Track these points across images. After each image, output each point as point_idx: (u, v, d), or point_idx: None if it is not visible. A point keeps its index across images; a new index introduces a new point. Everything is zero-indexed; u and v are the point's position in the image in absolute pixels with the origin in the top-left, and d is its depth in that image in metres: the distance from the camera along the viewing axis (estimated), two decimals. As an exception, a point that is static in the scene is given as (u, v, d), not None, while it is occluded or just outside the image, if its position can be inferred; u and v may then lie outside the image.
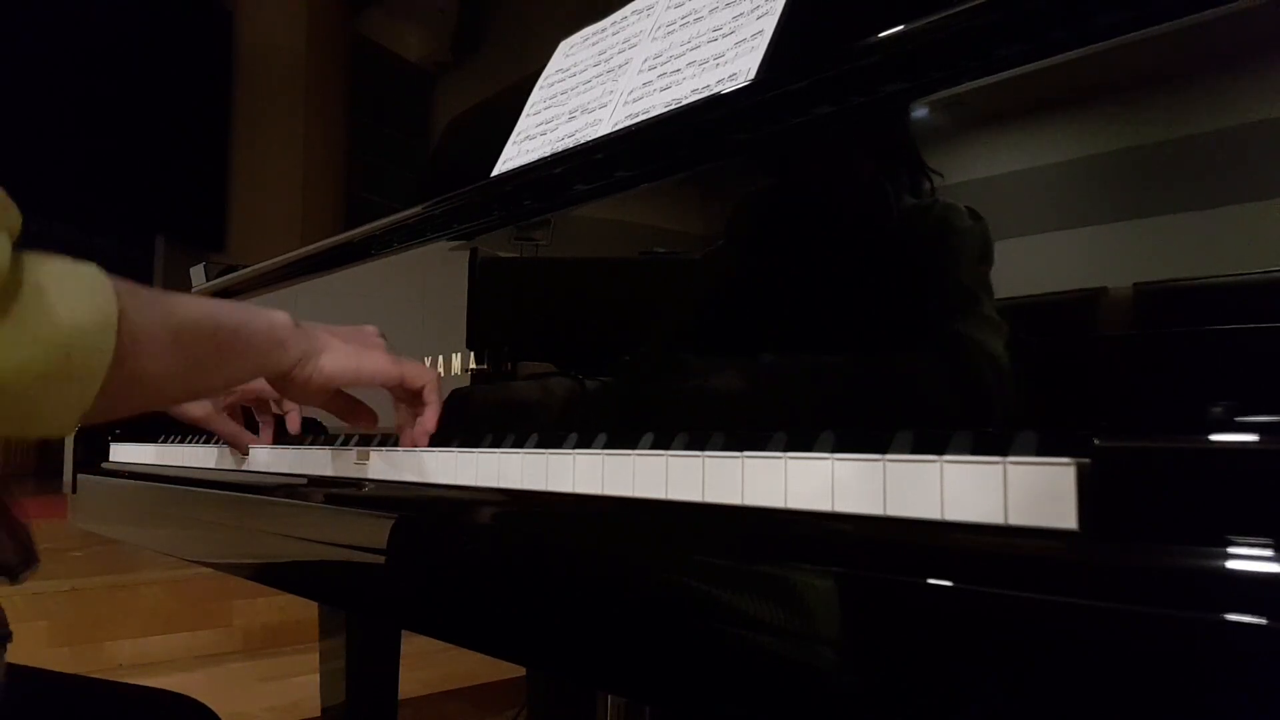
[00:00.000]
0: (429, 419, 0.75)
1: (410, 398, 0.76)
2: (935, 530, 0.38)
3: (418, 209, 0.92)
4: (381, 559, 0.69)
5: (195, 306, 0.59)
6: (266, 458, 0.93)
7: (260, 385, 0.75)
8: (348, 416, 0.77)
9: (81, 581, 2.29)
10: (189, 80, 4.73)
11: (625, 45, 0.89)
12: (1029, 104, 0.51)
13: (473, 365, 0.84)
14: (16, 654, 0.64)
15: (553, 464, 0.59)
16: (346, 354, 0.69)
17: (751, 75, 0.70)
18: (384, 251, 1.01)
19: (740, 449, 0.48)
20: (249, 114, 4.94)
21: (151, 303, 0.53)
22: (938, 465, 0.39)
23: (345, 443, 0.89)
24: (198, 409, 0.94)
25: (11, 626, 0.64)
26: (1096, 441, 0.34)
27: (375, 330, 0.77)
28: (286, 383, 0.68)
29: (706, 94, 0.72)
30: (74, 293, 0.47)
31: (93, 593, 2.30)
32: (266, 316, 0.65)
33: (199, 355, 0.58)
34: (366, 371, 0.70)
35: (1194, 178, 0.43)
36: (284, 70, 4.93)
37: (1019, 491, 0.36)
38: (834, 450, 0.45)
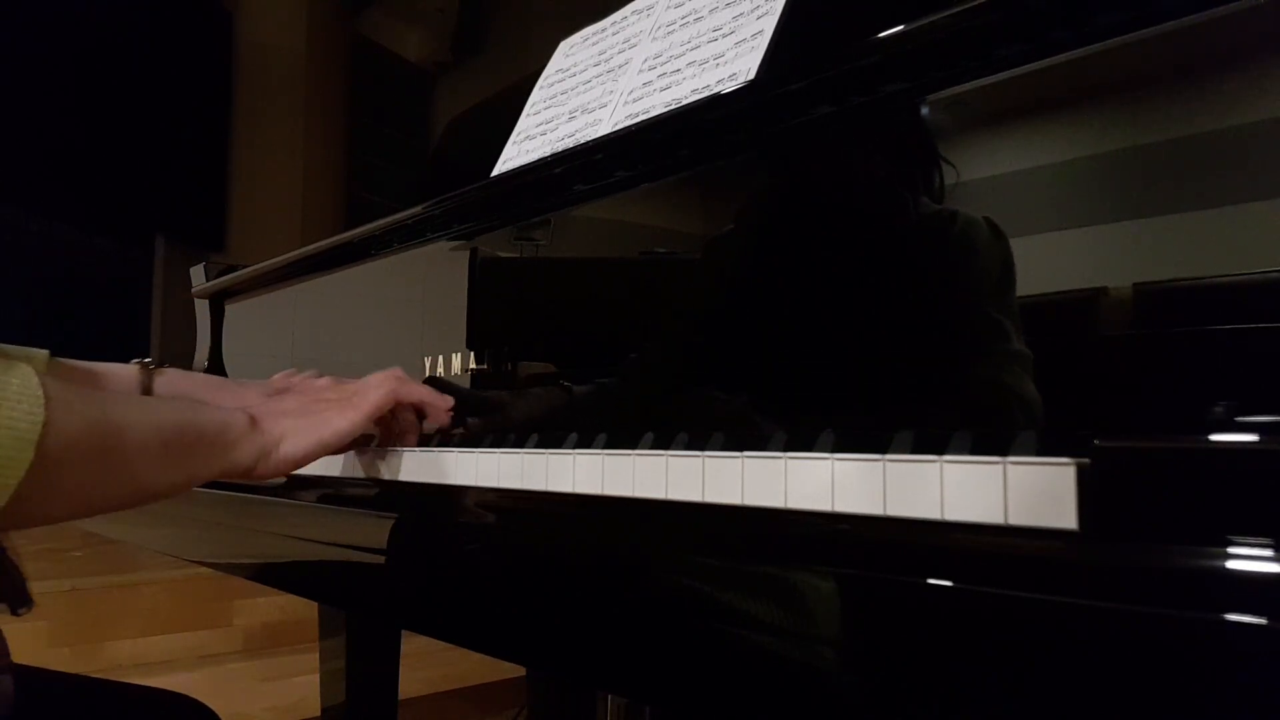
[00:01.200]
0: (431, 415, 0.75)
1: (404, 416, 0.76)
2: (935, 530, 0.38)
3: (418, 209, 0.92)
4: (381, 559, 0.69)
5: (141, 410, 0.57)
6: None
7: None
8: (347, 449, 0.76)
9: (81, 581, 2.29)
10: (189, 80, 4.73)
11: (625, 45, 0.89)
12: (1029, 104, 0.51)
13: (473, 365, 0.84)
14: (16, 654, 0.64)
15: (553, 464, 0.59)
16: (305, 430, 0.67)
17: (751, 75, 0.70)
18: (384, 251, 1.01)
19: (740, 449, 0.48)
20: (249, 114, 4.93)
21: (87, 408, 0.52)
22: (938, 465, 0.39)
23: (369, 441, 0.88)
24: None
25: (11, 627, 0.64)
26: (1096, 441, 0.34)
27: (324, 383, 0.75)
28: (250, 477, 0.66)
29: (706, 94, 0.72)
30: (3, 395, 0.46)
31: (93, 593, 2.30)
32: (218, 417, 0.63)
33: (138, 463, 0.56)
34: (331, 441, 0.68)
35: (1194, 178, 0.43)
36: (284, 70, 4.93)
37: (1019, 491, 0.36)
38: (834, 450, 0.45)
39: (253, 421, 0.65)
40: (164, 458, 0.58)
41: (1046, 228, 0.48)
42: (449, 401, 0.76)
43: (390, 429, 0.77)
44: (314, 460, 0.69)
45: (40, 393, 0.48)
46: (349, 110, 5.29)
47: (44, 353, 0.74)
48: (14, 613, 0.62)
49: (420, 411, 0.77)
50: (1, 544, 0.63)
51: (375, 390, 0.72)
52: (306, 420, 0.68)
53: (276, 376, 0.87)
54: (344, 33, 5.26)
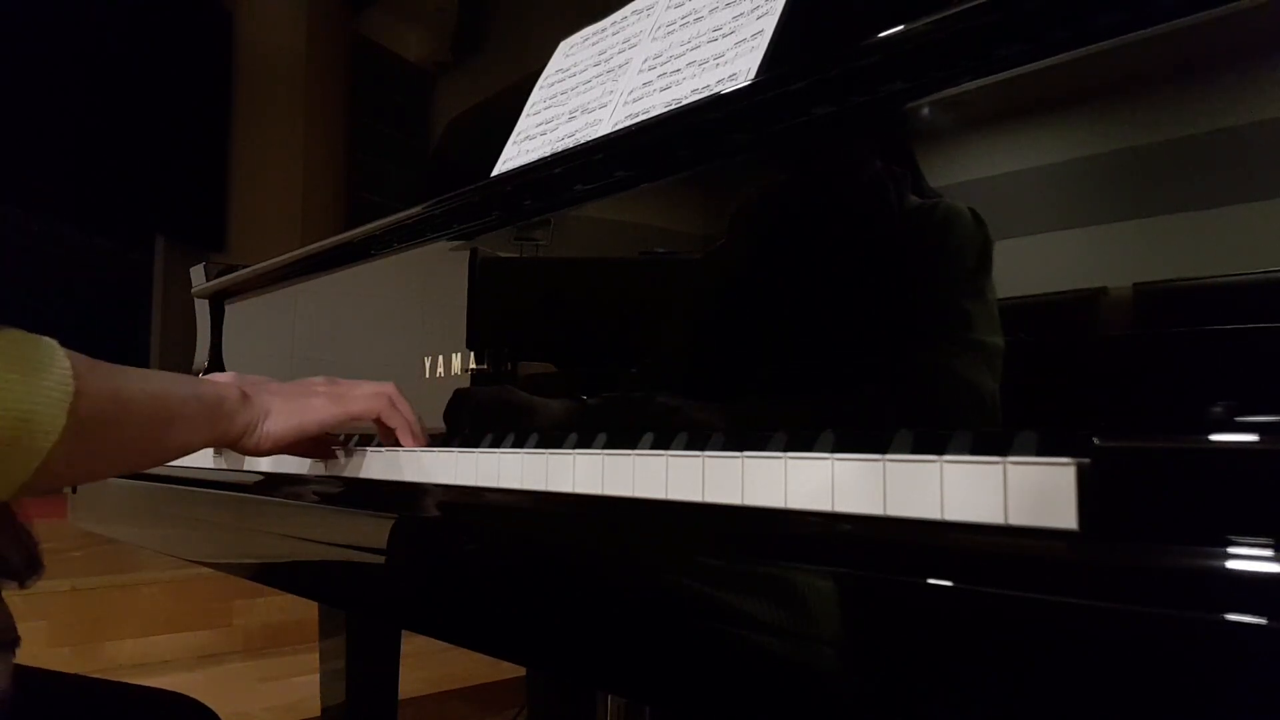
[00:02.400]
0: (402, 438, 0.77)
1: (382, 426, 0.78)
2: (935, 530, 0.38)
3: (418, 209, 0.92)
4: (381, 559, 0.69)
5: (145, 382, 0.61)
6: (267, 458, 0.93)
7: None
8: (315, 453, 0.81)
9: (81, 581, 2.29)
10: (189, 80, 4.72)
11: (625, 45, 0.89)
12: (1029, 104, 0.51)
13: (473, 365, 0.84)
14: (16, 654, 0.64)
15: (553, 464, 0.59)
16: (288, 412, 0.72)
17: (751, 75, 0.70)
18: (384, 251, 1.01)
19: (740, 449, 0.48)
20: (249, 114, 4.93)
21: (105, 379, 0.56)
22: (938, 465, 0.39)
23: (345, 443, 0.89)
24: None
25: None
26: (1096, 441, 0.34)
27: (320, 380, 0.78)
28: (238, 448, 0.71)
29: (706, 94, 0.72)
30: (33, 365, 0.50)
31: (93, 593, 2.30)
32: (215, 389, 0.68)
33: (147, 428, 0.61)
34: (310, 424, 0.73)
35: (1194, 178, 0.43)
36: (284, 70, 4.92)
37: (1019, 491, 0.36)
38: (834, 450, 0.45)
39: (244, 396, 0.70)
40: (168, 425, 0.63)
41: (1046, 228, 0.48)
42: (421, 442, 0.78)
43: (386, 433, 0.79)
44: (294, 440, 0.73)
45: (69, 364, 0.52)
46: (349, 110, 5.29)
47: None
48: (22, 585, 0.63)
49: (383, 433, 0.79)
50: (12, 510, 0.64)
51: (364, 397, 0.76)
52: (293, 403, 0.73)
53: None
54: (344, 33, 5.26)
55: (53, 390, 0.50)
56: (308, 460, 0.86)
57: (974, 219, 0.51)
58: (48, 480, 0.52)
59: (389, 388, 0.77)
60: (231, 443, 0.70)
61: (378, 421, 0.77)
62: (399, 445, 0.76)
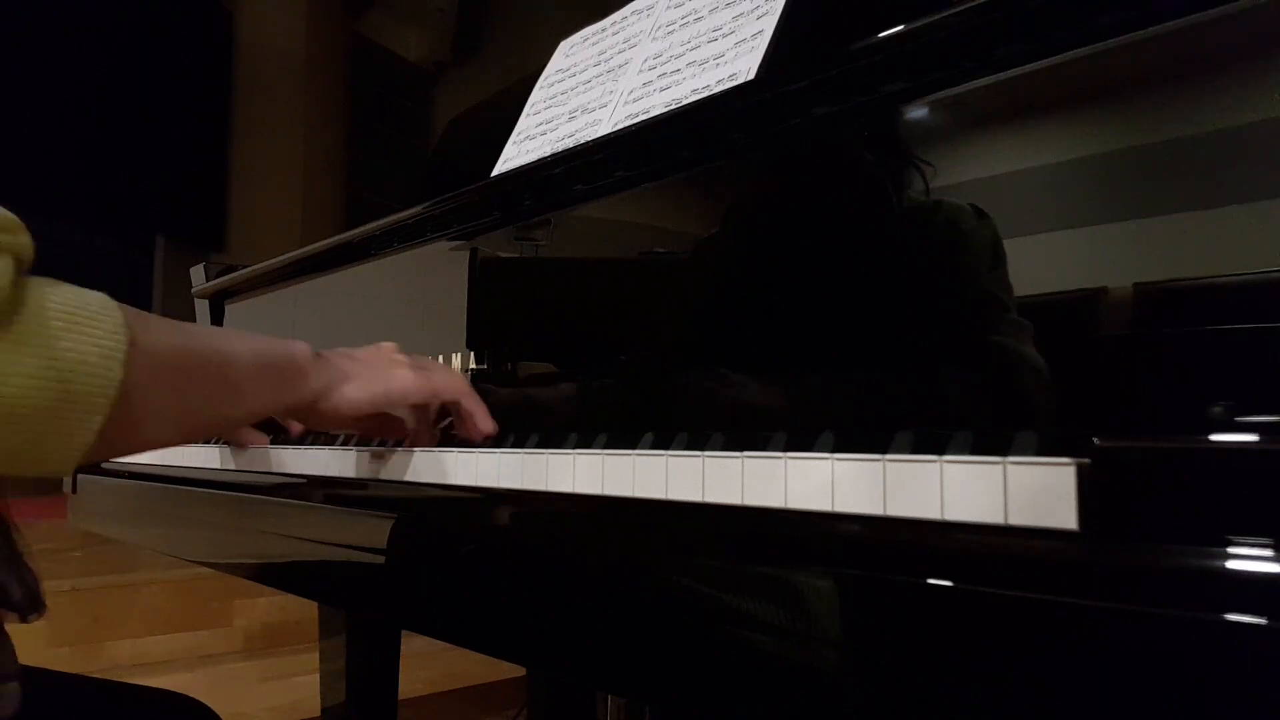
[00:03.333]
0: (482, 424, 0.71)
1: (442, 411, 0.73)
2: (935, 530, 0.38)
3: (418, 209, 0.92)
4: (381, 559, 0.69)
5: (208, 337, 0.57)
6: (267, 457, 0.93)
7: None
8: (383, 432, 0.74)
9: (81, 581, 2.29)
10: (189, 80, 4.72)
11: (625, 45, 0.89)
12: (1029, 104, 0.51)
13: (473, 365, 0.84)
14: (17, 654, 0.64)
15: (553, 464, 0.59)
16: (371, 379, 0.66)
17: (751, 75, 0.70)
18: (384, 251, 1.01)
19: (740, 449, 0.48)
20: (249, 114, 4.93)
21: (163, 333, 0.51)
22: (938, 465, 0.39)
23: (346, 443, 0.89)
24: None
25: (12, 626, 0.64)
26: (1096, 441, 0.34)
27: (393, 346, 0.73)
28: (311, 414, 0.65)
29: (706, 94, 0.72)
30: (80, 320, 0.45)
31: (93, 593, 2.29)
32: (285, 346, 0.63)
33: (212, 389, 0.56)
34: (396, 392, 0.67)
35: (1194, 178, 0.43)
36: (284, 70, 4.93)
37: (1019, 491, 0.36)
38: (834, 450, 0.45)
39: (318, 356, 0.64)
40: (238, 387, 0.58)
41: (1046, 228, 0.48)
42: (493, 428, 0.72)
43: (426, 421, 0.75)
44: (376, 409, 0.67)
45: (120, 314, 0.47)
46: (349, 110, 5.29)
47: None
48: (24, 619, 0.61)
49: (456, 418, 0.74)
50: (18, 548, 0.62)
51: (447, 375, 0.71)
52: (375, 370, 0.67)
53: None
54: (344, 33, 5.26)
55: (105, 340, 0.45)
56: (307, 460, 0.86)
57: (978, 216, 0.51)
58: (107, 449, 0.47)
59: (465, 378, 0.72)
60: (306, 406, 0.64)
61: (453, 405, 0.71)
62: (419, 446, 0.74)
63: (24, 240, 0.45)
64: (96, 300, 0.47)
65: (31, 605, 0.61)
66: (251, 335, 0.63)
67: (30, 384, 0.42)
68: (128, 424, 0.48)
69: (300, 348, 0.63)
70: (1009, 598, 0.34)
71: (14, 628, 0.63)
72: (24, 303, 0.43)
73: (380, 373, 0.67)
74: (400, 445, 0.76)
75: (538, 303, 0.83)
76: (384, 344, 0.73)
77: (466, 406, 0.70)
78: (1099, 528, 0.33)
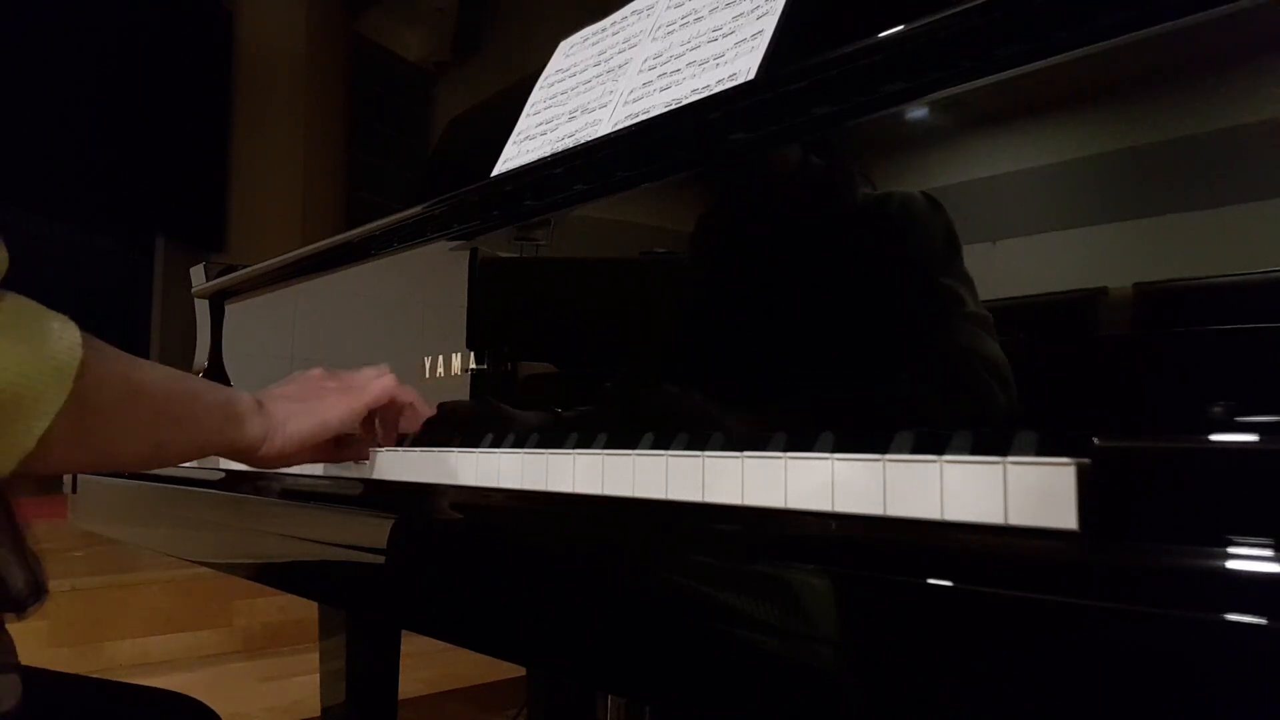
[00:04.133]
0: (421, 412, 0.76)
1: (389, 415, 0.77)
2: (935, 530, 0.38)
3: (418, 209, 0.92)
4: (381, 559, 0.69)
5: (156, 371, 0.60)
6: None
7: None
8: (341, 455, 0.77)
9: (81, 581, 2.29)
10: (189, 80, 4.72)
11: (625, 45, 0.89)
12: (1029, 104, 0.51)
13: (473, 365, 0.84)
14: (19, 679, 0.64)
15: (553, 464, 0.59)
16: (306, 412, 0.69)
17: (751, 75, 0.70)
18: (384, 251, 1.01)
19: (740, 449, 0.48)
20: (249, 114, 4.93)
21: (115, 360, 0.54)
22: (938, 465, 0.39)
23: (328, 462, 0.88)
24: None
25: (13, 627, 0.64)
26: (1096, 441, 0.34)
27: (319, 373, 0.76)
28: (258, 461, 0.68)
29: (706, 94, 0.72)
30: (36, 334, 0.48)
31: (93, 593, 2.30)
32: (225, 392, 0.66)
33: (156, 420, 0.59)
34: (333, 422, 0.70)
35: (1194, 178, 0.43)
36: (284, 70, 4.92)
37: (1019, 491, 0.36)
38: (834, 450, 0.45)
39: (258, 403, 0.67)
40: (180, 420, 0.61)
41: (1046, 228, 0.48)
42: (431, 410, 0.78)
43: (371, 429, 0.78)
44: (317, 440, 0.70)
45: (78, 337, 0.50)
46: (349, 110, 5.29)
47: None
48: (23, 612, 0.62)
49: (398, 413, 0.78)
50: (19, 529, 0.63)
51: (375, 382, 0.74)
52: (308, 404, 0.70)
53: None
54: (344, 33, 5.25)
55: (59, 357, 0.48)
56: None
57: (922, 198, 0.52)
58: (48, 460, 0.49)
59: (385, 368, 0.75)
60: (248, 450, 0.67)
61: (388, 406, 0.75)
62: (383, 447, 0.76)
63: (2, 255, 0.48)
64: (58, 321, 0.50)
65: (34, 593, 0.62)
66: (193, 378, 0.67)
67: None
68: (72, 439, 0.50)
69: (242, 397, 0.67)
70: (1009, 598, 0.34)
71: (14, 628, 0.63)
72: None
73: (313, 406, 0.70)
74: (379, 447, 0.76)
75: (538, 303, 0.83)
76: (312, 371, 0.76)
77: (401, 399, 0.75)
78: (1099, 528, 0.33)
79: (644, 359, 0.70)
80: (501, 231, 0.85)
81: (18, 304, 0.48)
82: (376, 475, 0.76)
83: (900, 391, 0.52)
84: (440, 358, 0.88)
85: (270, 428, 0.67)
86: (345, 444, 0.76)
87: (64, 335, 0.49)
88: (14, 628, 0.63)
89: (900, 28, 0.54)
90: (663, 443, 0.59)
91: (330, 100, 5.16)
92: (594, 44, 0.94)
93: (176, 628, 2.39)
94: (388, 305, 1.02)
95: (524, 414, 0.79)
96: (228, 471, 0.99)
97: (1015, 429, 0.43)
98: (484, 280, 0.87)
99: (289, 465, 0.71)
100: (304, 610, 2.37)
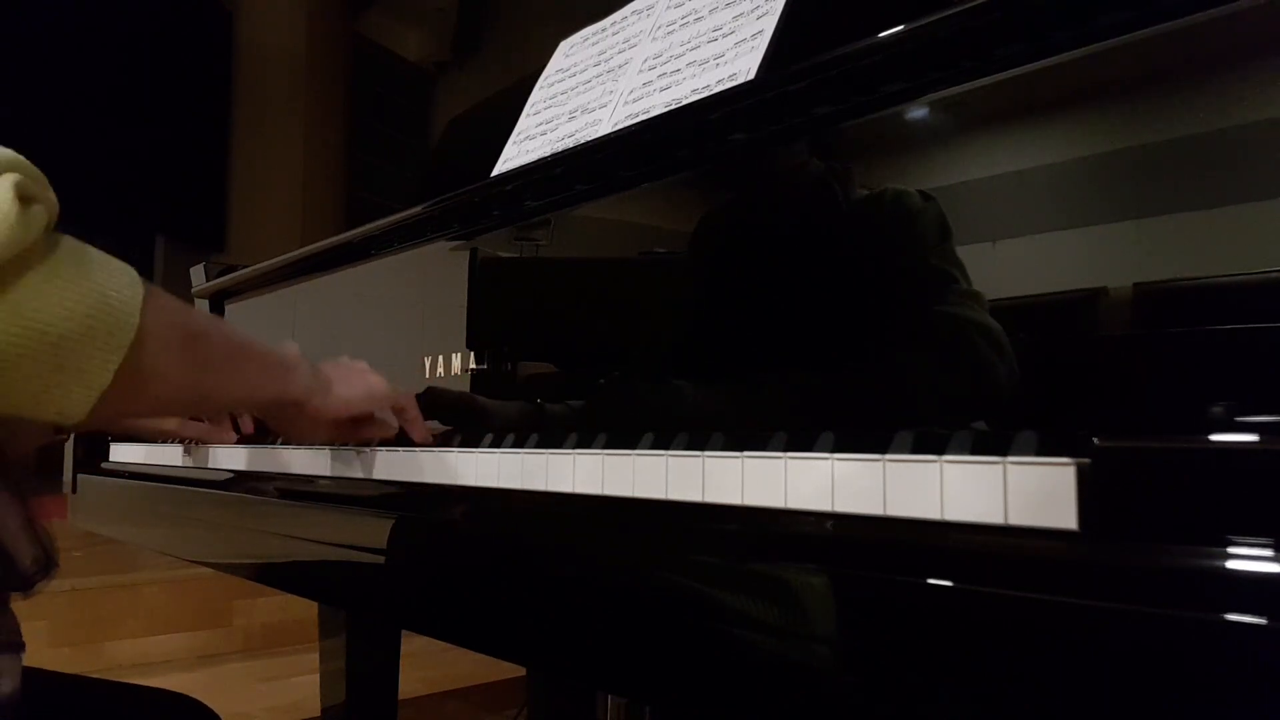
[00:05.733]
0: (420, 431, 0.79)
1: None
2: (935, 530, 0.38)
3: (418, 209, 0.92)
4: (381, 559, 0.69)
5: (211, 318, 0.61)
6: (268, 458, 0.93)
7: None
8: (357, 437, 0.78)
9: (81, 581, 2.29)
10: (189, 80, 4.72)
11: (625, 45, 0.89)
12: (1029, 104, 0.51)
13: (473, 365, 0.84)
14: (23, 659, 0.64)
15: (553, 464, 0.59)
16: (355, 382, 0.73)
17: (751, 75, 0.70)
18: (384, 251, 1.01)
19: (740, 449, 0.48)
20: (249, 114, 4.93)
21: (172, 302, 0.54)
22: (938, 465, 0.39)
23: (345, 443, 0.89)
24: (169, 422, 0.99)
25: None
26: (1096, 441, 0.34)
27: (364, 365, 0.78)
28: (301, 412, 0.69)
29: (706, 94, 0.72)
30: (104, 266, 0.48)
31: (93, 593, 2.30)
32: (277, 349, 0.68)
33: (212, 362, 0.59)
34: (377, 395, 0.74)
35: (1194, 178, 0.43)
36: (284, 70, 4.92)
37: (1019, 491, 0.36)
38: (834, 450, 0.45)
39: (309, 361, 0.69)
40: (235, 365, 0.62)
41: (1046, 228, 0.48)
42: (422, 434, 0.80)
43: (387, 428, 0.79)
44: (362, 409, 0.73)
45: (137, 275, 0.50)
46: (349, 110, 5.28)
47: None
48: (27, 592, 0.63)
49: (406, 422, 0.79)
50: (29, 504, 0.64)
51: (386, 385, 0.76)
52: (354, 375, 0.74)
53: None
54: (344, 33, 5.25)
55: (124, 292, 0.48)
56: (307, 460, 0.86)
57: (915, 194, 0.53)
58: (109, 402, 0.48)
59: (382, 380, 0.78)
60: (297, 402, 0.67)
61: (403, 410, 0.78)
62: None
63: (52, 197, 0.48)
64: (116, 260, 0.50)
65: (43, 568, 0.63)
66: (243, 330, 0.68)
67: (61, 312, 0.45)
68: (138, 375, 0.49)
69: (292, 351, 0.68)
70: (1009, 598, 0.34)
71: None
72: (58, 244, 0.47)
73: (359, 378, 0.74)
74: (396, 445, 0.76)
75: (538, 303, 0.83)
76: (357, 362, 0.78)
77: (412, 414, 0.78)
78: (1099, 528, 0.33)
79: (644, 359, 0.70)
80: (501, 231, 0.85)
81: (75, 245, 0.48)
82: (376, 475, 0.76)
83: (902, 384, 0.52)
84: (440, 358, 0.88)
85: (318, 385, 0.69)
86: (364, 428, 0.78)
87: (125, 273, 0.50)
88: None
89: (900, 28, 0.54)
90: (663, 443, 0.59)
91: (330, 100, 5.16)
92: (594, 44, 0.94)
93: (176, 628, 2.39)
94: (388, 305, 1.02)
95: (524, 414, 0.79)
96: (230, 471, 0.99)
97: (1015, 429, 0.43)
98: (484, 280, 0.87)
99: (321, 430, 0.72)
100: (304, 610, 2.37)
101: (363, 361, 0.78)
